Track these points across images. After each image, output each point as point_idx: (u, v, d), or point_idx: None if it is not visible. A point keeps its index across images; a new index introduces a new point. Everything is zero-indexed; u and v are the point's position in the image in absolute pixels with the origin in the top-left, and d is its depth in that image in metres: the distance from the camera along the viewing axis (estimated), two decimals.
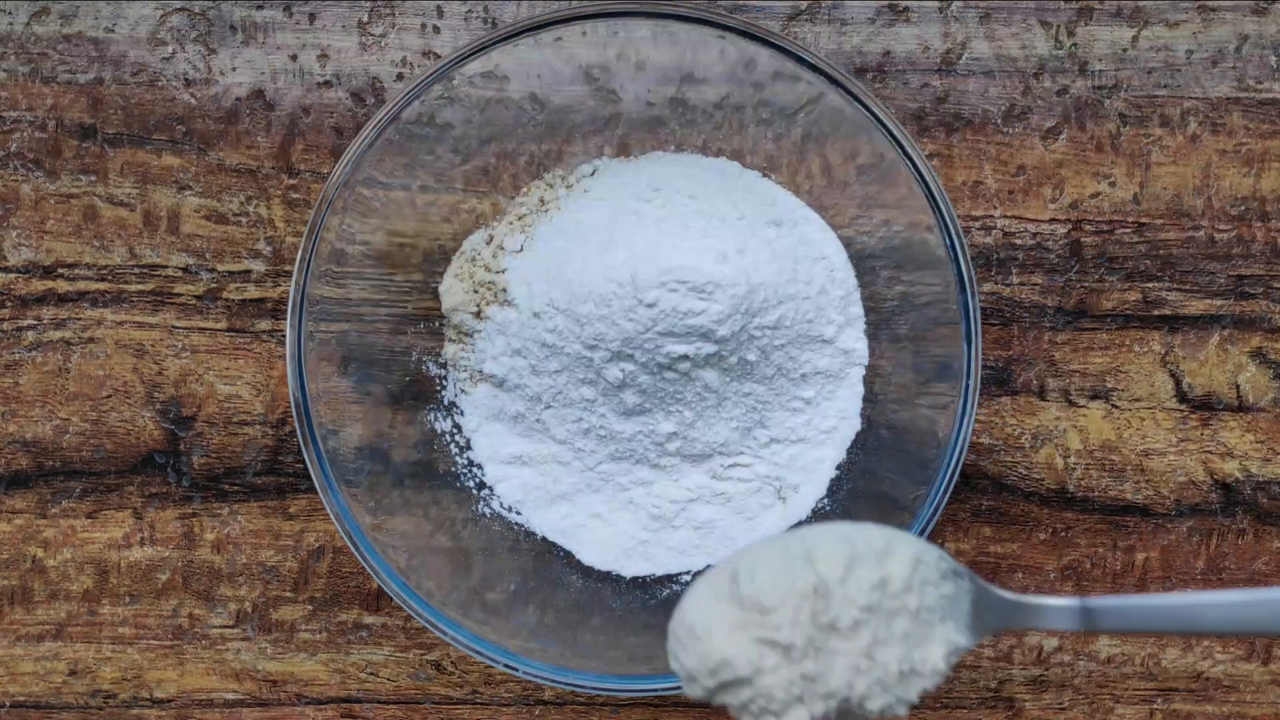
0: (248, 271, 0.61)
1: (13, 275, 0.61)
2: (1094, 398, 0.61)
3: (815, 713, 0.37)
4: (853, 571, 0.38)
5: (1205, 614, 0.39)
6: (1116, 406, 0.61)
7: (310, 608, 0.61)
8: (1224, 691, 0.62)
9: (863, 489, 0.59)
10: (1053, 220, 0.61)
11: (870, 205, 0.58)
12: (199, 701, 0.61)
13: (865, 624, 0.38)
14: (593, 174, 0.60)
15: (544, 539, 0.60)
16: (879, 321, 0.59)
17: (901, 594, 0.38)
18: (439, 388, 0.60)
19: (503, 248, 0.58)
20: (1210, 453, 0.61)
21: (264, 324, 0.61)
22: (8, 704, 0.61)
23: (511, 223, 0.59)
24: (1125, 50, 0.61)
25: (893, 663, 0.37)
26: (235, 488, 0.61)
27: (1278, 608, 0.38)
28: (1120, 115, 0.61)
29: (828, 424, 0.59)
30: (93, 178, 0.61)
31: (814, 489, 0.59)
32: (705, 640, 0.38)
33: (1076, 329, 0.61)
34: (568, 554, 0.60)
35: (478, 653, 0.53)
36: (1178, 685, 0.62)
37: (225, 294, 0.61)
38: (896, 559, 0.39)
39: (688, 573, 0.60)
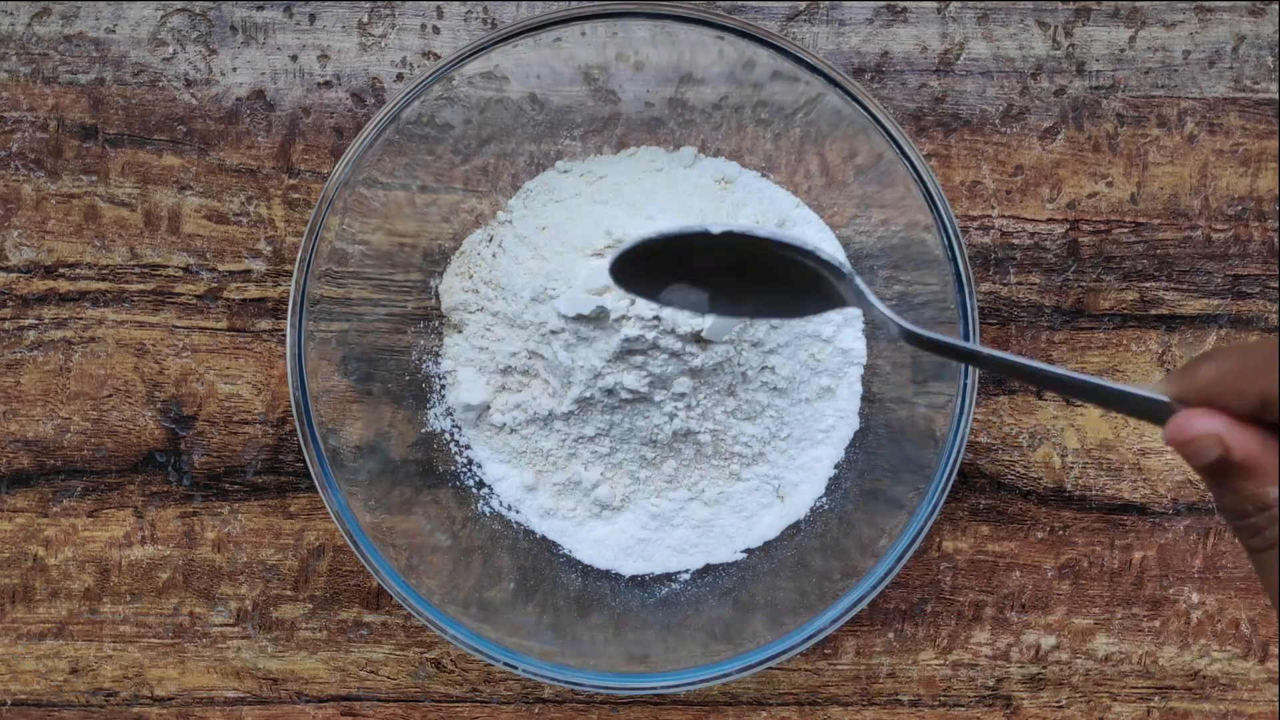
0: (248, 271, 0.61)
1: (14, 275, 0.61)
2: None
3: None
4: None
5: None
6: None
7: (310, 606, 0.62)
8: (1220, 690, 0.62)
9: (861, 487, 0.59)
10: (1050, 220, 0.61)
11: (868, 205, 0.58)
12: (200, 699, 0.62)
13: None
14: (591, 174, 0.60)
15: (543, 537, 0.60)
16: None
17: None
18: (439, 387, 0.60)
19: (502, 247, 0.58)
20: None
21: (264, 323, 0.61)
22: (9, 702, 0.62)
23: (511, 222, 0.59)
24: (1122, 51, 0.61)
25: None
26: (236, 486, 0.61)
27: None
28: (1118, 115, 0.61)
29: (826, 423, 0.59)
30: (94, 178, 0.61)
31: (812, 487, 0.60)
32: None
33: (1074, 328, 0.61)
34: (567, 552, 0.60)
35: (477, 651, 0.54)
36: (1174, 683, 0.62)
37: (226, 294, 0.61)
38: None
39: (686, 571, 0.60)
